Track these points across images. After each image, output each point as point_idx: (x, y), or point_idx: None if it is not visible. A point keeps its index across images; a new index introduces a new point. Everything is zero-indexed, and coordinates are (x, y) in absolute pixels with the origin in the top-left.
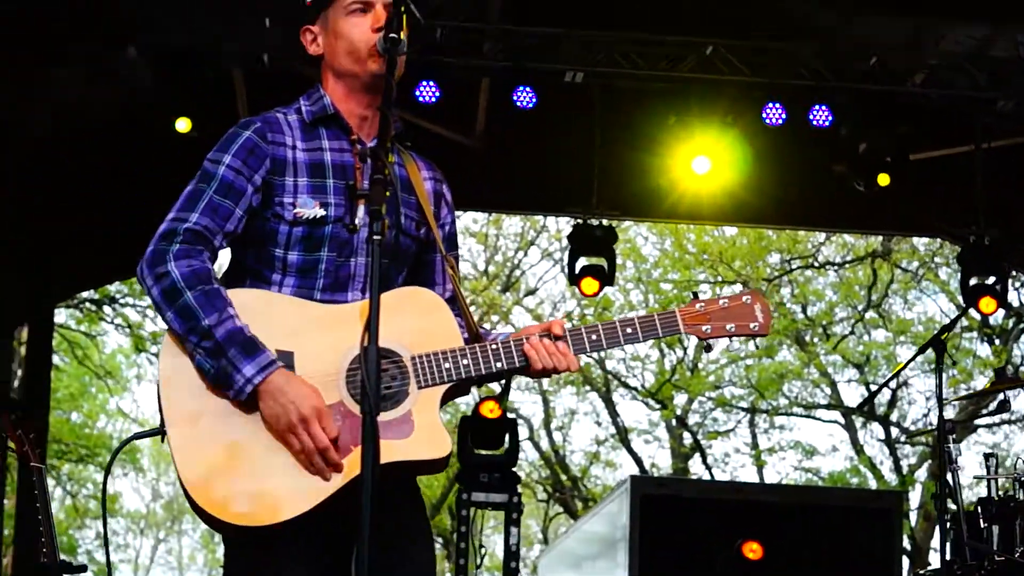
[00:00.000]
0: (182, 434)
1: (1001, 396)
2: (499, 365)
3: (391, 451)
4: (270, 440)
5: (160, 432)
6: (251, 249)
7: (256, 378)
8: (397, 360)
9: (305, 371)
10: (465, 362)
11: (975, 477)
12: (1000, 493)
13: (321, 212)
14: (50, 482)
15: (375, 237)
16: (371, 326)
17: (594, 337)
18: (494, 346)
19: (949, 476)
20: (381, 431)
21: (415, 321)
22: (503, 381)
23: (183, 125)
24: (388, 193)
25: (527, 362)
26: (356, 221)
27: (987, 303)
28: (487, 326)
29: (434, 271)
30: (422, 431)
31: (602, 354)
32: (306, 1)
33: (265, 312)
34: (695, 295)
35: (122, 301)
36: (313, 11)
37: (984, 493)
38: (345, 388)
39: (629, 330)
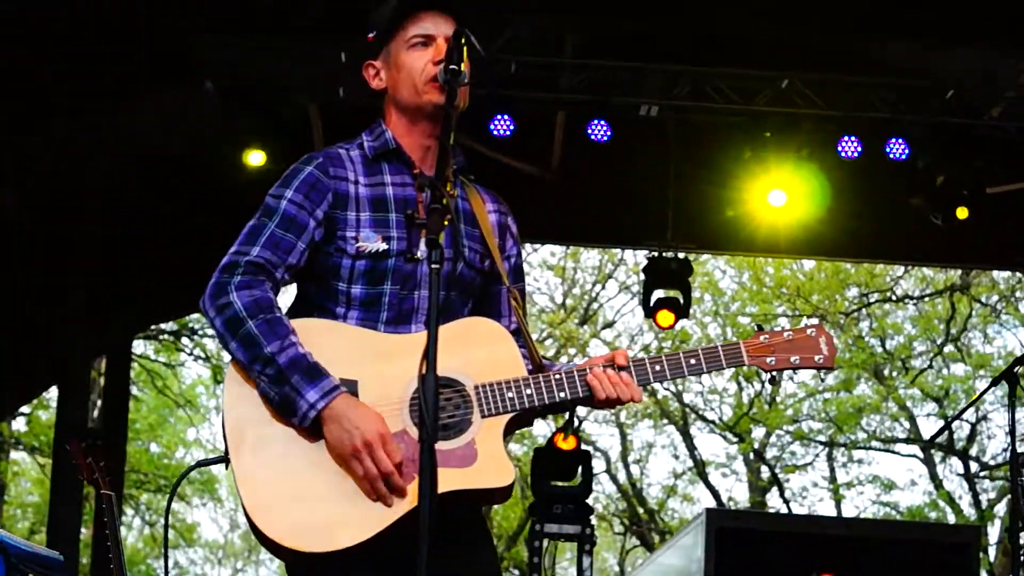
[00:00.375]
0: (246, 461)
1: None
2: (562, 395)
3: (454, 480)
4: (333, 467)
5: (224, 460)
6: (315, 283)
7: (319, 403)
8: (460, 389)
9: (368, 399)
10: (528, 392)
11: None
12: None
13: (383, 246)
14: (128, 512)
15: (433, 266)
16: (429, 354)
17: (658, 368)
18: (557, 376)
19: None
20: (444, 460)
21: (479, 351)
22: (568, 412)
23: (257, 159)
24: (447, 223)
25: (590, 392)
26: (418, 253)
27: None
28: (564, 359)
29: (499, 303)
30: (485, 460)
31: (679, 387)
32: (368, 37)
33: (329, 341)
34: (759, 327)
35: (201, 332)
36: (376, 46)
37: None
38: (408, 417)
39: (693, 361)
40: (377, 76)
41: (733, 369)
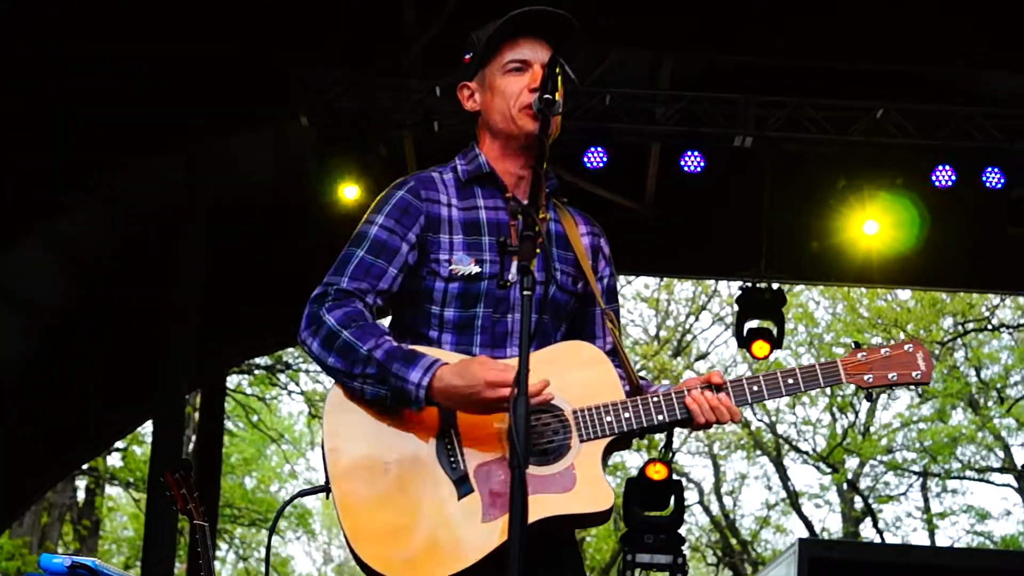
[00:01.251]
0: (347, 489)
1: None
2: (660, 418)
3: (554, 505)
4: (434, 494)
5: (325, 490)
6: (408, 308)
7: (424, 379)
8: (559, 414)
9: (470, 424)
10: (627, 415)
11: None
12: None
13: (477, 269)
14: (222, 546)
15: (525, 292)
16: (521, 381)
17: (755, 388)
18: (655, 399)
19: None
20: (544, 485)
21: (576, 375)
22: (665, 436)
23: (352, 193)
24: (539, 250)
25: (689, 415)
26: (509, 277)
27: None
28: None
29: (594, 324)
30: (584, 485)
31: (773, 418)
32: (464, 58)
33: None
34: (857, 344)
35: (295, 367)
36: (471, 68)
37: None
38: (508, 442)
39: (791, 380)
40: (471, 98)
41: (829, 393)
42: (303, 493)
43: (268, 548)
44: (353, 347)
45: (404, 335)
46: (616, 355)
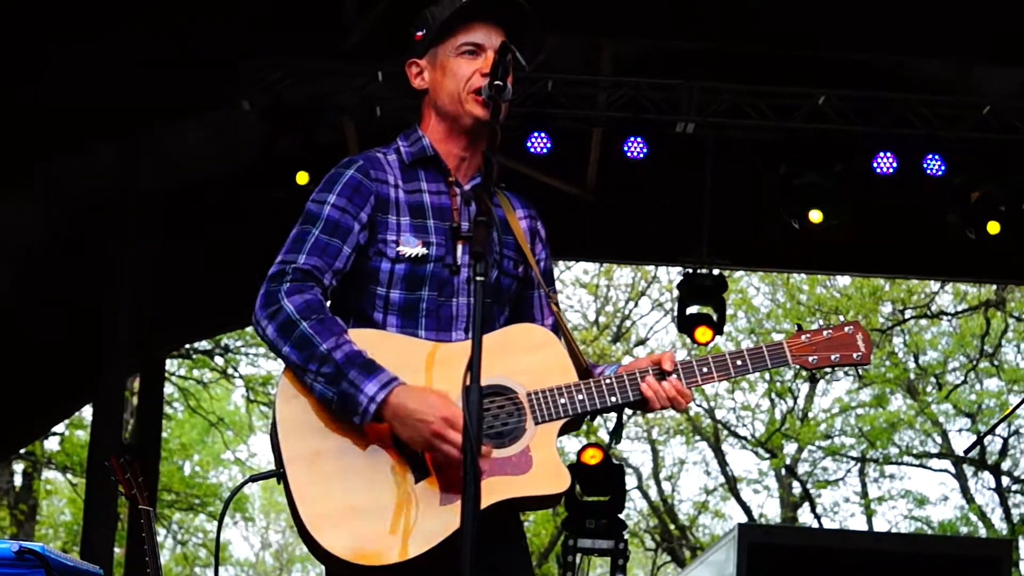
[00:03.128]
0: (300, 473)
1: None
2: (614, 400)
3: (511, 487)
4: (389, 479)
5: (277, 474)
6: (353, 288)
7: (379, 395)
8: (513, 397)
9: None
10: (580, 397)
11: None
12: None
13: (423, 251)
14: (160, 531)
15: (478, 278)
16: (473, 367)
17: (705, 370)
18: (608, 381)
19: None
20: (500, 468)
21: (527, 357)
22: (617, 417)
23: (294, 178)
24: (493, 233)
25: (642, 397)
26: (456, 261)
27: None
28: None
29: (534, 307)
30: (541, 466)
31: (711, 403)
32: (415, 34)
33: (377, 348)
34: (800, 327)
35: (235, 350)
36: (422, 45)
37: None
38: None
39: (739, 362)
40: (420, 75)
41: (768, 378)
42: (254, 478)
43: (218, 539)
44: (311, 342)
45: (348, 315)
46: (559, 334)
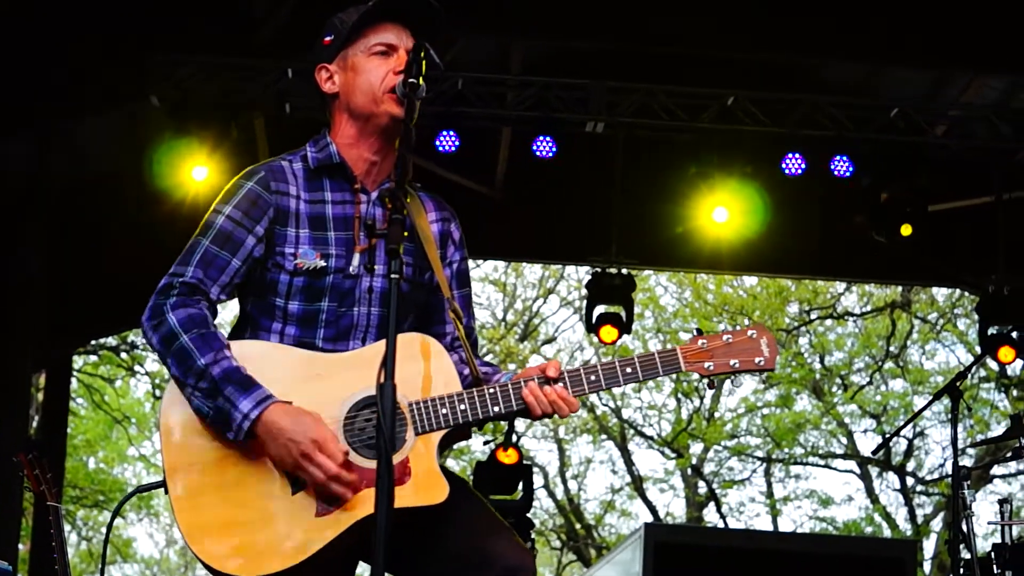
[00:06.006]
0: (181, 485)
1: (1018, 443)
2: (496, 410)
3: None
4: (267, 489)
5: (164, 485)
6: (252, 299)
7: (253, 412)
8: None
9: None
10: (463, 407)
11: (989, 523)
12: (1015, 539)
13: (322, 263)
14: (65, 527)
15: (393, 276)
16: (387, 365)
17: (593, 378)
18: (492, 390)
19: (964, 522)
20: (375, 479)
21: (414, 367)
22: (507, 425)
23: (201, 174)
24: (406, 233)
25: (526, 406)
26: (351, 270)
27: (1006, 352)
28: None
29: (442, 312)
30: (418, 478)
31: (618, 403)
32: (323, 40)
33: (262, 362)
34: (699, 331)
35: (142, 347)
36: (332, 49)
37: (999, 541)
38: (343, 436)
39: (629, 370)
40: (330, 80)
41: (674, 378)
42: (141, 489)
43: (107, 539)
44: (190, 355)
45: (248, 326)
46: (459, 345)
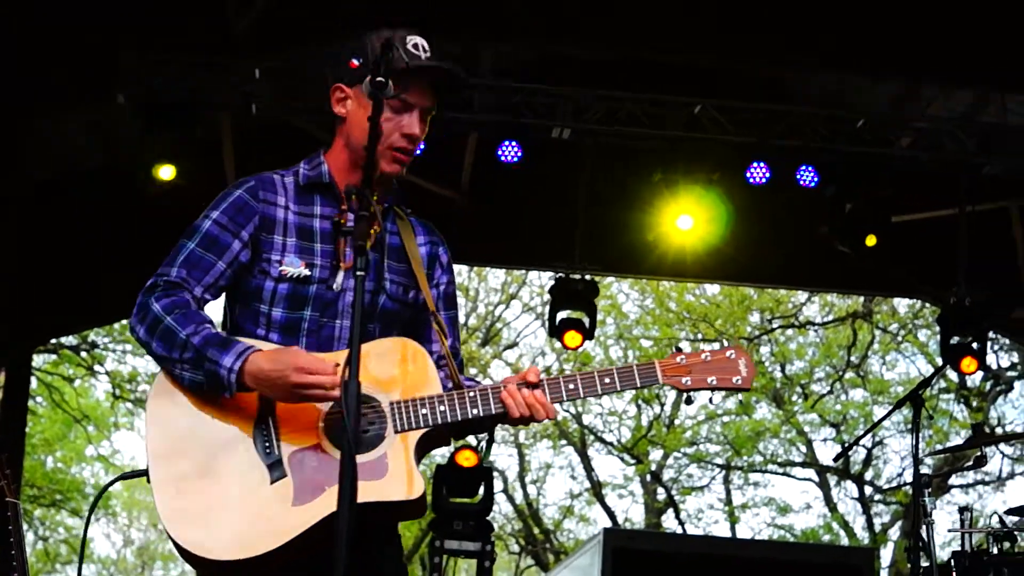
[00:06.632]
0: (163, 472)
1: (978, 452)
2: (475, 412)
3: (364, 491)
4: (248, 478)
5: (146, 473)
6: (238, 304)
7: (236, 364)
8: (375, 405)
9: (288, 413)
10: (442, 408)
11: (949, 530)
12: (973, 547)
13: (306, 272)
14: (23, 526)
15: (359, 273)
16: (352, 362)
17: (571, 386)
18: (471, 394)
19: (923, 530)
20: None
21: (396, 368)
22: (487, 433)
23: (167, 173)
24: (375, 231)
25: (504, 410)
26: (334, 284)
27: (968, 363)
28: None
29: (428, 329)
30: (395, 473)
31: (579, 408)
32: (351, 61)
33: None
34: (678, 348)
35: (102, 346)
36: (355, 75)
37: (958, 549)
38: (323, 431)
39: (607, 380)
40: (342, 103)
41: (635, 390)
42: (124, 476)
43: (85, 532)
44: (174, 332)
45: (234, 332)
46: (445, 363)
